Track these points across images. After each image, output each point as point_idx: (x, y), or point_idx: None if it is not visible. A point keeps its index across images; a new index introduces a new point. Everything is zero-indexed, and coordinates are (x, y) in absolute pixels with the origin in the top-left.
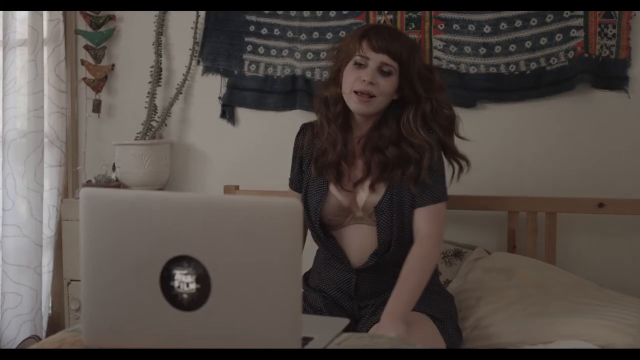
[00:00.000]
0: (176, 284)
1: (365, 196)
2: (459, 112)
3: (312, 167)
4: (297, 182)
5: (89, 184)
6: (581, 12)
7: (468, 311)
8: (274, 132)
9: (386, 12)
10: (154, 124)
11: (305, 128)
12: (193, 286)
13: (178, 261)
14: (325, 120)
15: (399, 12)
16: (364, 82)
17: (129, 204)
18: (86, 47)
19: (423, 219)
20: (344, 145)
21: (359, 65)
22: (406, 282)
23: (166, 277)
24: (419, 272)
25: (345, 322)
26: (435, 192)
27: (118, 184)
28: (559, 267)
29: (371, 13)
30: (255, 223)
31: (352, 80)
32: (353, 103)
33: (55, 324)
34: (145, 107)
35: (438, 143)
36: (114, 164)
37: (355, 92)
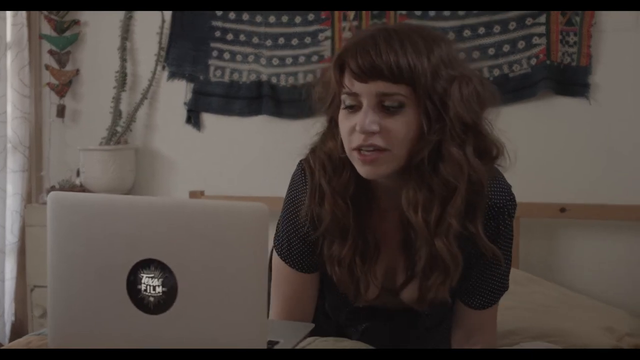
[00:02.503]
0: (143, 287)
1: (414, 294)
2: None
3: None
4: (309, 262)
5: (52, 189)
6: (543, 20)
7: None
8: (240, 138)
9: (351, 17)
10: (118, 129)
11: (305, 173)
12: (160, 289)
13: (145, 265)
14: (330, 190)
15: (363, 16)
16: (358, 134)
17: (96, 207)
18: (50, 52)
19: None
20: (361, 234)
21: (350, 108)
22: None
23: (133, 281)
24: None
25: (310, 326)
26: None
27: (82, 190)
28: (523, 271)
29: (337, 18)
30: (221, 227)
31: (346, 134)
32: (357, 165)
33: (18, 331)
34: (110, 112)
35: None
36: (79, 169)
37: (355, 150)
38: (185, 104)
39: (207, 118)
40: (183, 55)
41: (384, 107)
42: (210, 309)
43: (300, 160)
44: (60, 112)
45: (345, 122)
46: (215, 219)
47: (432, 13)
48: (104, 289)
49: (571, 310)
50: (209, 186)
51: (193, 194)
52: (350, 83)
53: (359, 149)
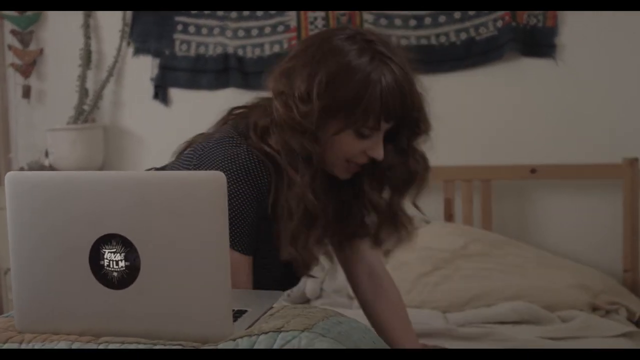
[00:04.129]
0: (105, 262)
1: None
2: None
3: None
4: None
5: (21, 171)
6: None
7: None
8: (208, 112)
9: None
10: (85, 108)
11: (262, 162)
12: (122, 264)
13: (106, 240)
14: (303, 184)
15: None
16: (366, 156)
17: (54, 185)
18: (13, 32)
19: None
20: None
21: (361, 135)
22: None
23: (95, 257)
24: None
25: (279, 294)
26: None
27: (52, 170)
28: (497, 234)
29: None
30: (179, 198)
31: (350, 152)
32: (341, 171)
33: None
34: (76, 91)
35: None
36: (47, 150)
37: (349, 162)
38: (152, 79)
39: (175, 93)
40: (148, 31)
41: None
42: (174, 281)
43: (250, 149)
44: (26, 92)
45: (356, 144)
46: (174, 190)
47: None
48: (67, 267)
49: (545, 270)
50: None
51: None
52: (382, 122)
53: (355, 163)
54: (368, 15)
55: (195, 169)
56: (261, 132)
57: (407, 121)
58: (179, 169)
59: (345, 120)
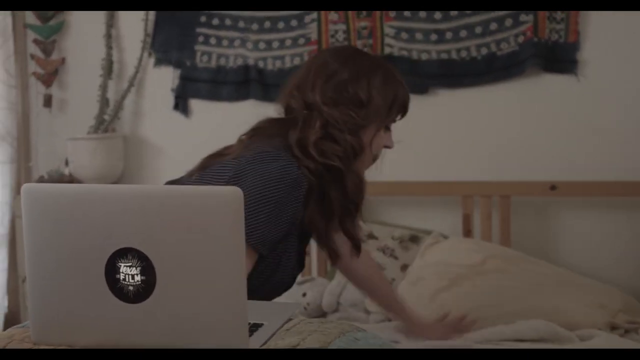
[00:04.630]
0: (121, 276)
1: None
2: (412, 99)
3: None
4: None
5: (41, 179)
6: None
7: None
8: (228, 123)
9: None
10: (106, 117)
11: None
12: (138, 278)
13: (122, 253)
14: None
15: None
16: (389, 146)
17: (70, 198)
18: (35, 41)
19: None
20: None
21: (387, 129)
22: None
23: (111, 270)
24: None
25: (295, 306)
26: None
27: (71, 179)
28: (515, 250)
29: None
30: (196, 212)
31: (381, 145)
32: (367, 165)
33: (10, 322)
34: (97, 101)
35: None
36: (67, 159)
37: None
38: (172, 90)
39: (195, 104)
40: (169, 41)
41: None
42: (190, 295)
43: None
44: (47, 101)
45: (385, 138)
46: (191, 204)
47: None
48: (82, 280)
49: (563, 288)
50: None
51: None
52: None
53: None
54: (389, 29)
55: (232, 181)
56: (307, 145)
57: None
58: (209, 182)
59: (387, 117)
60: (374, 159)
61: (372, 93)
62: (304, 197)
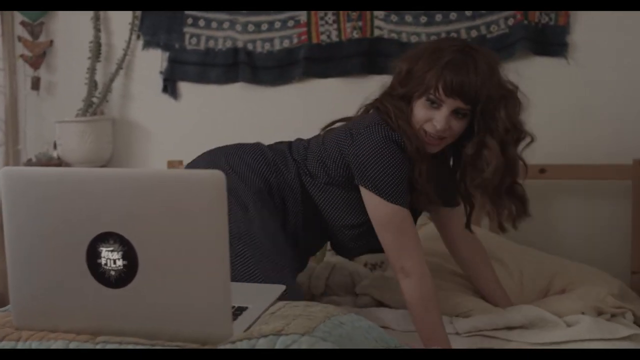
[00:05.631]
0: (103, 261)
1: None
2: None
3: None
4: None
5: (30, 162)
6: None
7: None
8: (217, 106)
9: None
10: (94, 100)
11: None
12: (120, 263)
13: (104, 238)
14: (417, 154)
15: None
16: (435, 127)
17: (50, 182)
18: (23, 24)
19: None
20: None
21: (431, 103)
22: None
23: (93, 255)
24: None
25: (280, 288)
26: None
27: (60, 162)
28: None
29: None
30: (178, 196)
31: (423, 118)
32: (421, 141)
33: (0, 304)
34: (86, 84)
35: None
36: (55, 142)
37: (424, 132)
38: (161, 73)
39: (184, 87)
40: (157, 24)
41: (453, 112)
42: (172, 281)
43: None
44: (35, 84)
45: (425, 111)
46: (172, 189)
47: None
48: (64, 265)
49: (551, 272)
50: (187, 155)
51: (171, 164)
52: (442, 92)
53: (428, 134)
54: (378, 11)
55: (352, 147)
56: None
57: (482, 114)
58: (331, 144)
59: (422, 86)
60: (426, 136)
61: (413, 65)
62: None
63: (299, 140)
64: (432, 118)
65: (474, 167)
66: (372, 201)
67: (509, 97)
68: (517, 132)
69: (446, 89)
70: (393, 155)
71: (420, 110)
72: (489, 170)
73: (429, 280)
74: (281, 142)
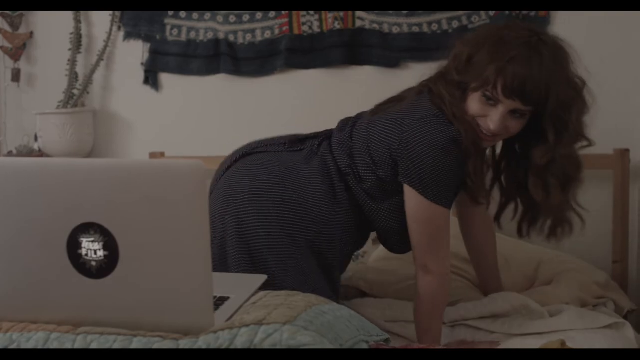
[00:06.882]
0: (84, 252)
1: None
2: (383, 73)
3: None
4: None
5: (10, 155)
6: None
7: None
8: (199, 97)
9: None
10: (75, 92)
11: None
12: (101, 253)
13: (84, 229)
14: (473, 147)
15: None
16: (489, 127)
17: (30, 172)
18: (2, 15)
19: None
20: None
21: (487, 99)
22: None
23: (73, 246)
24: None
25: (262, 278)
26: None
27: (41, 154)
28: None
29: None
30: (158, 187)
31: (477, 113)
32: (478, 135)
33: None
34: (66, 75)
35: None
36: (36, 134)
37: (477, 125)
38: (142, 64)
39: (165, 78)
40: (139, 15)
41: (512, 112)
42: (153, 271)
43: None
44: (16, 76)
45: (480, 106)
46: (153, 179)
47: None
48: (44, 256)
49: (533, 263)
50: (169, 147)
51: (153, 155)
52: (500, 91)
53: (482, 130)
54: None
55: (401, 144)
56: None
57: (548, 116)
58: (380, 136)
59: (480, 79)
60: (480, 131)
61: (473, 52)
62: (460, 150)
63: (342, 126)
64: (487, 115)
65: (538, 178)
66: (414, 199)
67: (578, 98)
68: (583, 140)
69: (505, 89)
70: (449, 156)
71: (475, 104)
72: (554, 194)
73: (447, 281)
74: (316, 136)
